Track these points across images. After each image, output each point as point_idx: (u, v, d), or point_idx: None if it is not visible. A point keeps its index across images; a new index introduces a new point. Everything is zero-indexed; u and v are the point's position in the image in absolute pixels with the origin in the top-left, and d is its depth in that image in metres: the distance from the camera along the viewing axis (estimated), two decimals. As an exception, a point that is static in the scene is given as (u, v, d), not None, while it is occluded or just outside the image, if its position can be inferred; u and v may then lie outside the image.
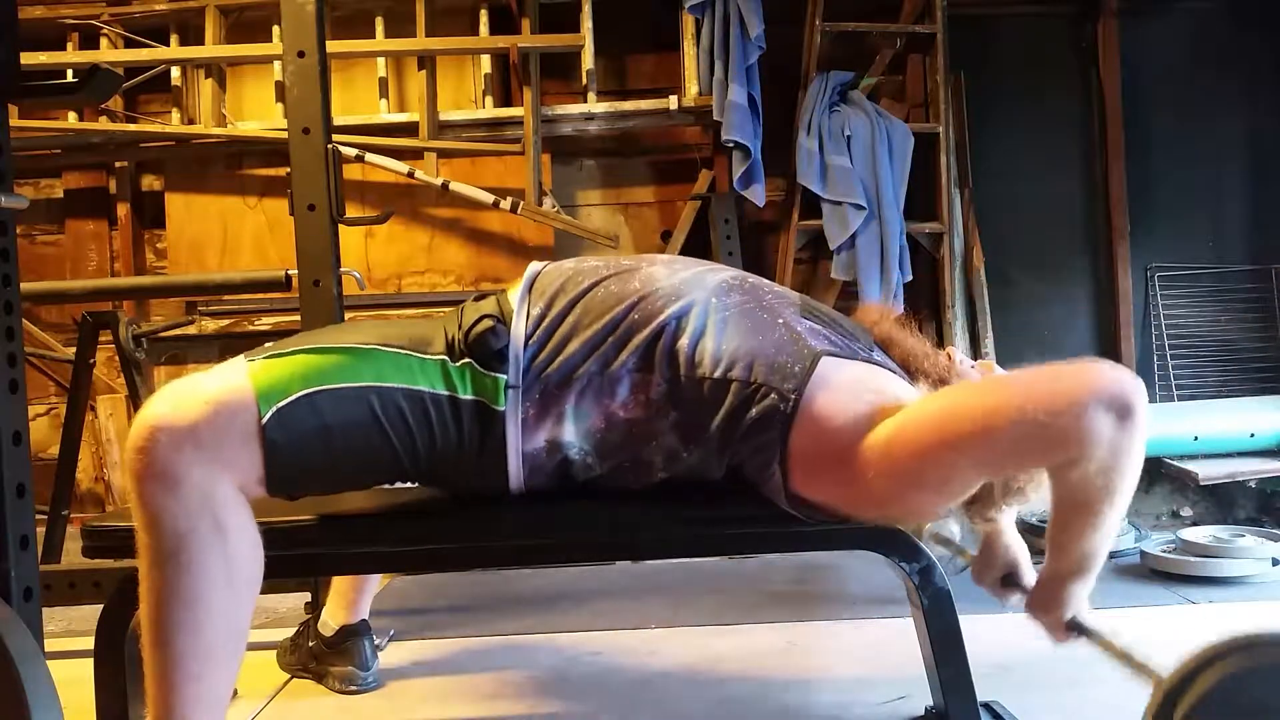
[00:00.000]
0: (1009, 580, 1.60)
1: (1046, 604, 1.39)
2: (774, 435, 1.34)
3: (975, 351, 3.50)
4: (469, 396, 1.34)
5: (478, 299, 1.44)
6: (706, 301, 1.40)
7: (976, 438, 1.23)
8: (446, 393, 1.34)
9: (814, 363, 1.35)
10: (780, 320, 1.40)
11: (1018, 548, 1.61)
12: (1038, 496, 1.46)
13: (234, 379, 1.28)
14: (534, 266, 1.48)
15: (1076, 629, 1.37)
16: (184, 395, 1.26)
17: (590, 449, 1.39)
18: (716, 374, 1.35)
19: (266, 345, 1.37)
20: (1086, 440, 1.16)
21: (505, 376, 1.35)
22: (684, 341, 1.37)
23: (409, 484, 1.49)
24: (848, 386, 1.34)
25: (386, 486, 1.52)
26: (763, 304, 1.42)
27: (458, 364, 1.35)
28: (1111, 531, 1.29)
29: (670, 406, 1.37)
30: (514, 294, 1.43)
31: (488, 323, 1.37)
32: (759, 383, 1.34)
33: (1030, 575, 1.57)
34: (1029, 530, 2.86)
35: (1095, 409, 1.16)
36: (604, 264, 1.46)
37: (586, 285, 1.42)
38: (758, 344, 1.37)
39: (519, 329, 1.38)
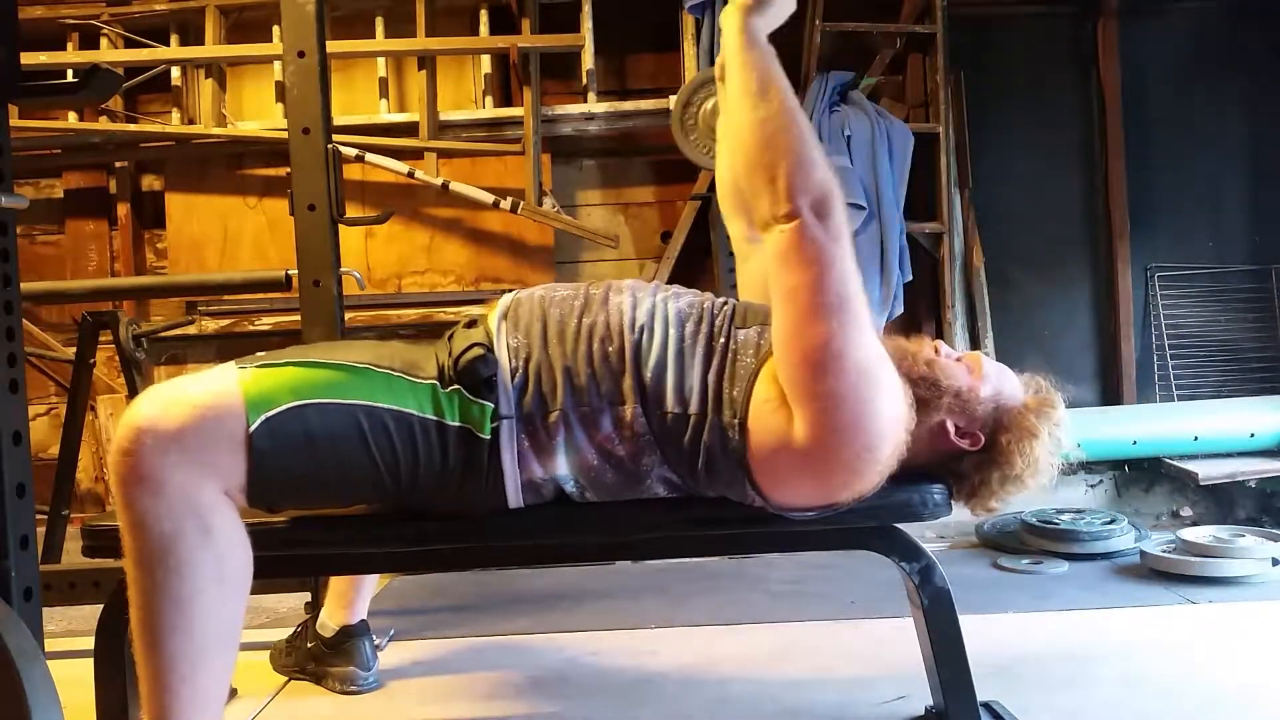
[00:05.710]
0: None
1: None
2: (734, 465, 1.36)
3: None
4: (455, 423, 1.35)
5: (468, 325, 1.45)
6: (665, 333, 1.41)
7: (803, 299, 1.28)
8: (434, 418, 1.34)
9: (750, 383, 1.36)
10: (723, 340, 1.42)
11: None
12: (1036, 484, 1.47)
13: (223, 385, 1.28)
14: (506, 298, 1.48)
15: None
16: (171, 398, 1.26)
17: (587, 485, 1.41)
18: (676, 410, 1.37)
19: (258, 354, 1.37)
20: (815, 243, 1.28)
21: (492, 405, 1.36)
22: (648, 375, 1.38)
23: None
24: (771, 390, 1.35)
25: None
26: (714, 328, 1.44)
27: (447, 390, 1.36)
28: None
29: (653, 435, 1.38)
30: (492, 324, 1.43)
31: (478, 350, 1.37)
32: (709, 416, 1.36)
33: None
34: (1029, 530, 2.88)
35: (806, 222, 1.27)
36: (574, 293, 1.47)
37: (558, 318, 1.43)
38: (707, 375, 1.39)
39: (504, 360, 1.39)
